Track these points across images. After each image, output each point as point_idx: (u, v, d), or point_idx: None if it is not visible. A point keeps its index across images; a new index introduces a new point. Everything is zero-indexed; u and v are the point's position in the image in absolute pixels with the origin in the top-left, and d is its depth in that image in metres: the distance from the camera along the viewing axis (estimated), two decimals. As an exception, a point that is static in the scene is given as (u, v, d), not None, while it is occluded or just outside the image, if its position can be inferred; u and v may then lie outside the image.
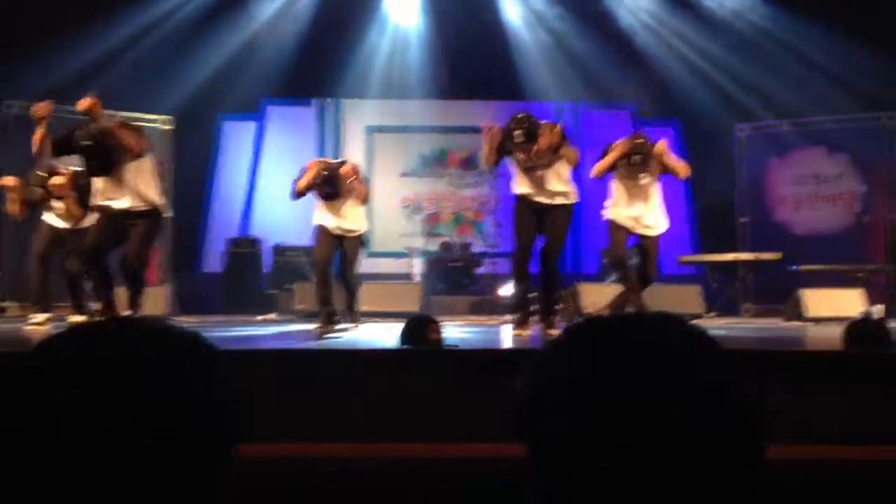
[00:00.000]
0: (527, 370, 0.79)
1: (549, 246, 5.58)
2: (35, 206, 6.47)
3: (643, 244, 5.96)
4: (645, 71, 10.54)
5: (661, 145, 5.73)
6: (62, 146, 5.45)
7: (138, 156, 5.34)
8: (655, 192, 5.92)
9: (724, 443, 0.72)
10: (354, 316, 6.58)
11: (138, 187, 5.33)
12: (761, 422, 0.74)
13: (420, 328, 3.62)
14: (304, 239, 10.93)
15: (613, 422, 0.72)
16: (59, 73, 8.66)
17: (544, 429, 0.75)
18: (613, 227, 5.96)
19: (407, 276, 9.83)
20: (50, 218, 6.34)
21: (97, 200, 5.44)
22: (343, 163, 6.54)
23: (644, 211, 5.87)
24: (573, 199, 5.55)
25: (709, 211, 10.48)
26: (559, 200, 5.47)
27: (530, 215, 5.49)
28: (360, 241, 6.66)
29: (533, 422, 0.77)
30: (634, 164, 5.75)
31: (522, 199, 5.51)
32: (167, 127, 9.51)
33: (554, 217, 5.49)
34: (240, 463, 0.80)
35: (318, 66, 10.64)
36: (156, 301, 7.30)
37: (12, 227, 8.78)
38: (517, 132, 5.30)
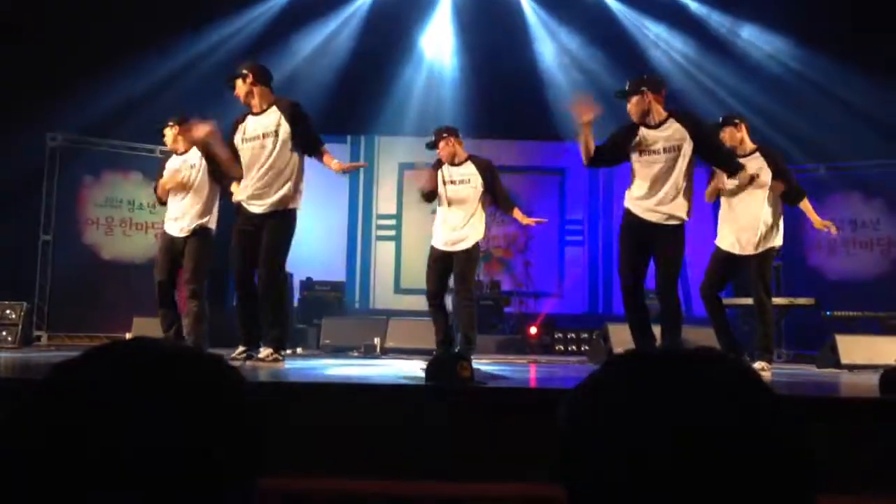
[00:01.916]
0: (567, 404, 0.78)
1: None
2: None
3: (751, 264, 5.76)
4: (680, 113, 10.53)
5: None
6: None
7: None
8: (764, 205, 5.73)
9: (772, 486, 0.70)
10: (469, 344, 5.94)
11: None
12: (813, 467, 0.72)
13: (450, 365, 3.60)
14: (333, 274, 11.04)
15: (654, 458, 0.70)
16: (102, 106, 8.85)
17: (584, 463, 0.73)
18: (715, 254, 5.86)
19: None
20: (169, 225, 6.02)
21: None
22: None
23: (748, 228, 5.71)
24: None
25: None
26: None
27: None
28: (471, 254, 6.11)
29: (572, 455, 0.75)
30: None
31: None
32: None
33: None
34: (264, 496, 0.79)
35: (353, 104, 10.77)
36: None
37: (55, 257, 8.93)
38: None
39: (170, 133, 5.98)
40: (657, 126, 5.08)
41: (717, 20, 10.54)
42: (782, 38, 10.04)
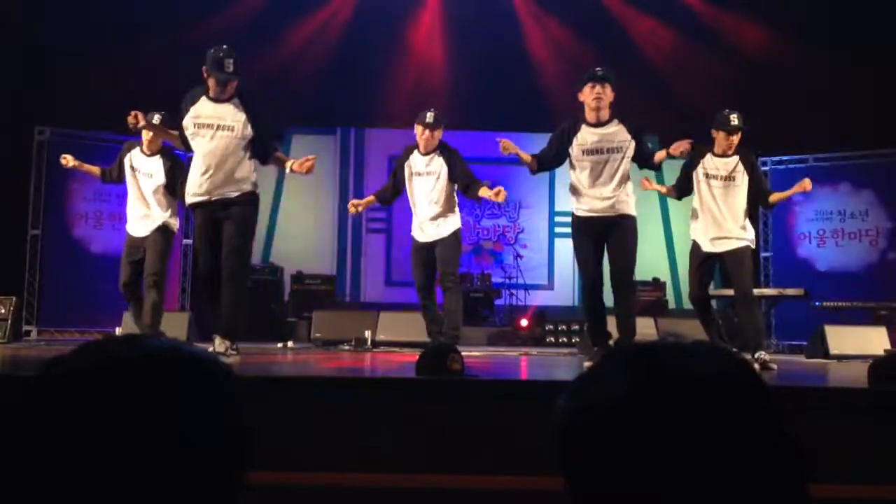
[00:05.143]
0: (567, 395, 0.78)
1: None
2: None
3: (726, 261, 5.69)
4: (668, 104, 10.56)
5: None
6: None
7: None
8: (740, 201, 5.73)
9: (766, 477, 0.70)
10: (455, 331, 5.82)
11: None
12: (805, 459, 0.72)
13: (441, 358, 3.60)
14: (324, 267, 11.03)
15: (654, 448, 0.70)
16: (90, 99, 8.80)
17: (584, 454, 0.74)
18: (693, 252, 5.82)
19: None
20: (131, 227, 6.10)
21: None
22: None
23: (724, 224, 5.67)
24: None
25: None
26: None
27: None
28: (455, 238, 5.99)
29: (573, 447, 0.75)
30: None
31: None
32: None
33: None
34: (255, 490, 0.79)
35: (341, 96, 10.74)
36: (176, 327, 7.32)
37: (44, 251, 8.89)
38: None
39: (148, 134, 6.01)
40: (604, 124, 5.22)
41: (707, 12, 10.56)
42: (771, 28, 10.06)
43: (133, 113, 5.34)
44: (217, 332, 5.02)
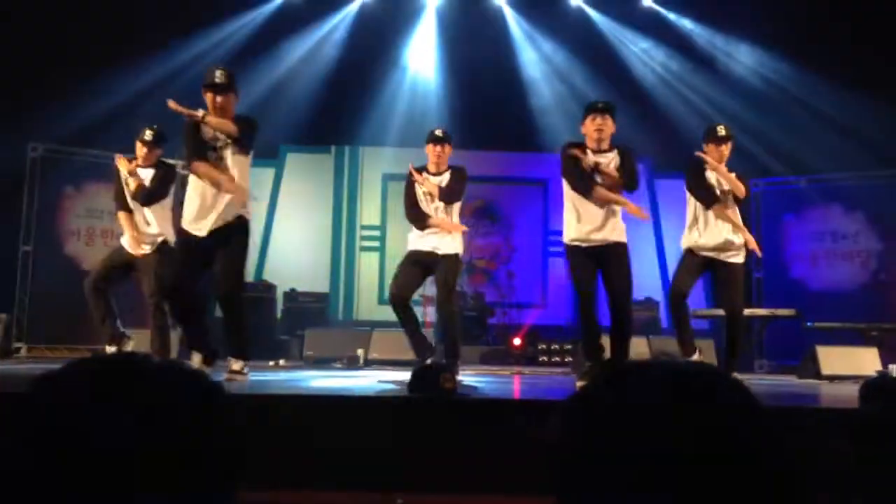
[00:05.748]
0: (560, 416, 0.78)
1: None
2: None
3: (722, 274, 5.65)
4: (661, 125, 10.62)
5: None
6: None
7: None
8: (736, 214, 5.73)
9: (761, 498, 0.70)
10: (454, 356, 5.77)
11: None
12: (803, 480, 0.72)
13: (433, 376, 3.59)
14: (317, 285, 11.01)
15: (648, 469, 0.70)
16: (83, 116, 8.81)
17: (578, 475, 0.74)
18: (688, 257, 5.74)
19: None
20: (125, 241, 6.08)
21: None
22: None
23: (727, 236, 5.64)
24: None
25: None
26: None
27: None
28: (458, 258, 5.94)
29: (566, 468, 0.75)
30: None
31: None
32: (185, 172, 9.59)
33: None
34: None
35: (337, 114, 10.78)
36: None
37: (35, 268, 8.86)
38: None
39: (143, 149, 6.02)
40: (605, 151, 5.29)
41: (700, 34, 10.65)
42: (764, 52, 10.15)
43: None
44: (229, 354, 5.08)
